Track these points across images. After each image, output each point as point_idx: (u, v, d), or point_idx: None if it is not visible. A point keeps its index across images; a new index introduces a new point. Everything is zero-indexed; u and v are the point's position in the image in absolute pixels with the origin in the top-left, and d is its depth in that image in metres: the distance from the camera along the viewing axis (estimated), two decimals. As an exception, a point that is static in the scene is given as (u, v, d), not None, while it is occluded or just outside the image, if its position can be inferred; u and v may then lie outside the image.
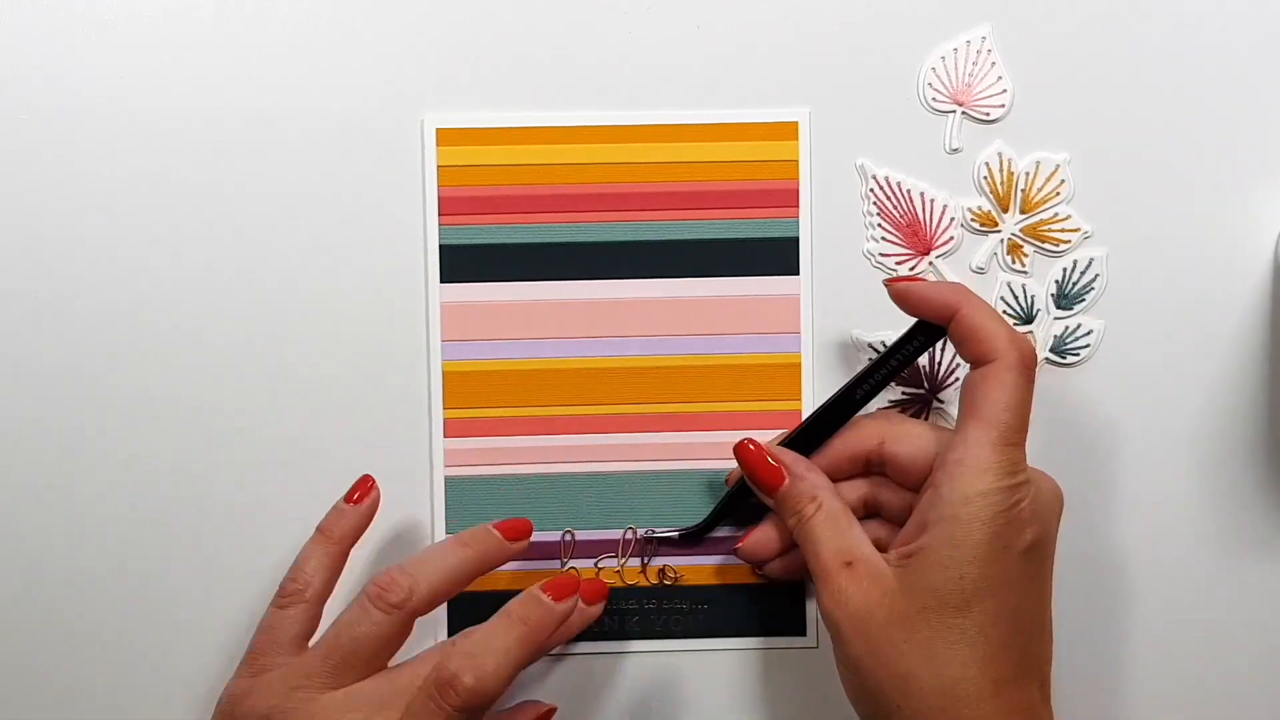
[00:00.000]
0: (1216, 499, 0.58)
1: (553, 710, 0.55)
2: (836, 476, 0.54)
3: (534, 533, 0.57)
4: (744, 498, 0.55)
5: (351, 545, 0.54)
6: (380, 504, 0.54)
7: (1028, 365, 0.50)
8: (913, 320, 0.53)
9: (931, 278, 0.57)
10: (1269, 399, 0.58)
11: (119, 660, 0.57)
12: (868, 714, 0.50)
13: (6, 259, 0.56)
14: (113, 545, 0.57)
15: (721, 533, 0.58)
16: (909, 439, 0.53)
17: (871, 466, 0.54)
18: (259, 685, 0.50)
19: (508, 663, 0.49)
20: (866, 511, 0.55)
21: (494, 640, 0.49)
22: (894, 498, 0.54)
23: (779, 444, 0.54)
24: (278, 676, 0.50)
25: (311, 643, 0.51)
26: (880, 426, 0.54)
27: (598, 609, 0.56)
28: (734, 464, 0.54)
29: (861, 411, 0.55)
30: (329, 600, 0.53)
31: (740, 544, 0.56)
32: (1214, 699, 0.58)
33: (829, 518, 0.51)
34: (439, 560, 0.52)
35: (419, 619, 0.51)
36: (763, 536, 0.55)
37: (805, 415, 0.56)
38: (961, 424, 0.50)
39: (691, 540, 0.57)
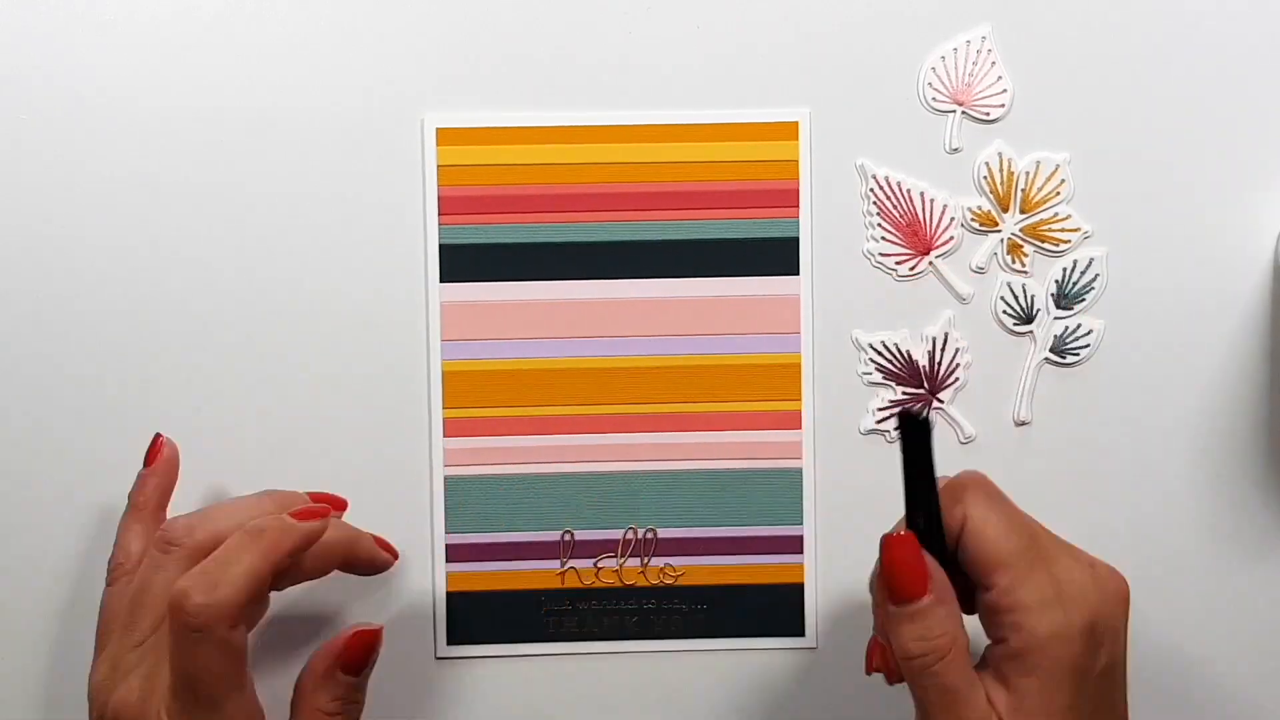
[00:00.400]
0: (1216, 499, 0.58)
1: (377, 632, 0.53)
2: None
3: (533, 532, 0.57)
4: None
5: (164, 508, 0.54)
6: (177, 457, 0.55)
7: (982, 485, 0.46)
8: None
9: (931, 277, 0.57)
10: (1269, 399, 0.58)
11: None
12: None
13: (6, 258, 0.56)
14: (108, 544, 0.57)
15: (721, 531, 0.57)
16: (986, 529, 0.46)
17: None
18: (105, 660, 0.50)
19: (237, 580, 0.47)
20: None
21: (228, 557, 0.48)
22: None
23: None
24: (115, 647, 0.50)
25: None
26: (964, 509, 0.46)
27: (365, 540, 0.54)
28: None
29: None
30: None
31: (875, 664, 0.49)
32: (1212, 697, 0.58)
33: (961, 665, 0.45)
34: (232, 509, 0.51)
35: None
36: (880, 655, 0.49)
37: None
38: (984, 579, 0.45)
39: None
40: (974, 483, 0.47)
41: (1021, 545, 0.45)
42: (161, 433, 0.55)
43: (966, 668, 0.45)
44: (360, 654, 0.52)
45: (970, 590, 0.47)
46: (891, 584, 0.45)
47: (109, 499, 0.56)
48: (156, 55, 0.56)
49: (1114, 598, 0.46)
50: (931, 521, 0.46)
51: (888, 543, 0.45)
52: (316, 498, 0.54)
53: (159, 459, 0.54)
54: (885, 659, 0.47)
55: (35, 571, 0.57)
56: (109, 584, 0.52)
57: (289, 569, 0.50)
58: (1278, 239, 0.57)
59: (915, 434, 0.46)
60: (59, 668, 0.57)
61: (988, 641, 0.46)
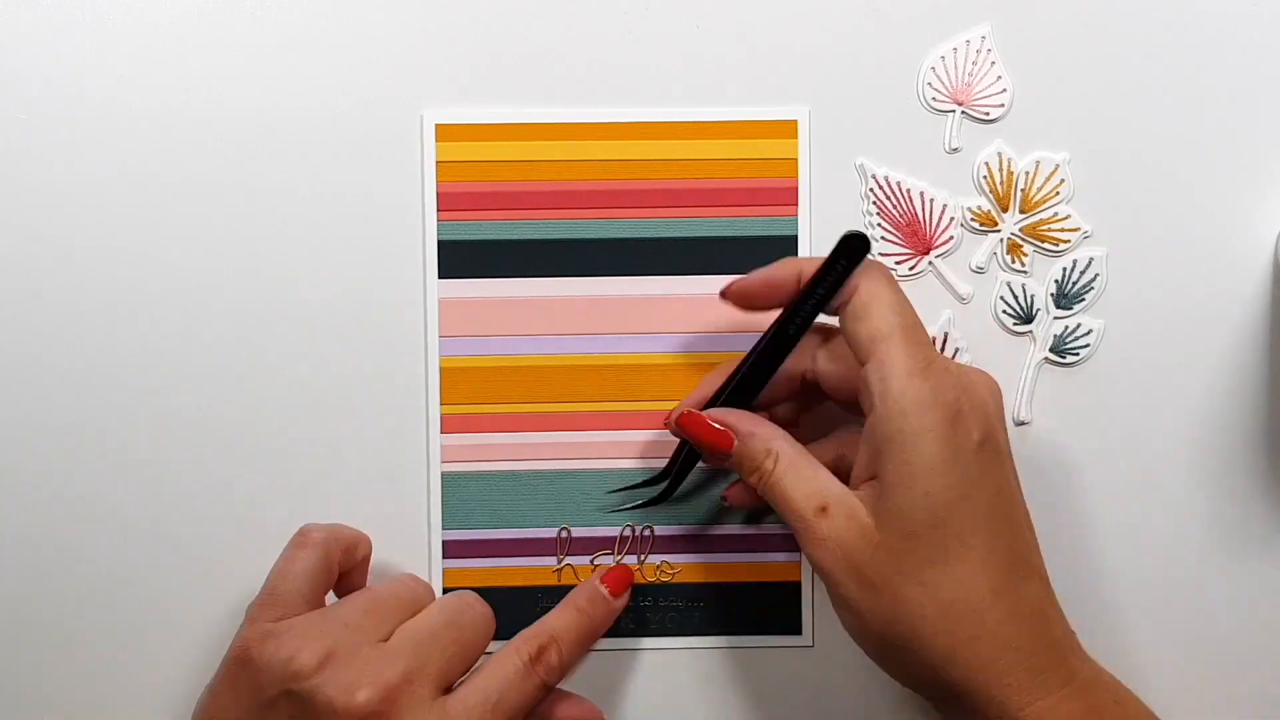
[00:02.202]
0: (1216, 498, 0.57)
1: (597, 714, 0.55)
2: (774, 403, 0.54)
3: (530, 528, 0.57)
4: (695, 459, 0.55)
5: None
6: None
7: (885, 272, 0.50)
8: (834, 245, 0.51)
9: (931, 277, 0.57)
10: (1269, 399, 0.57)
11: (115, 659, 0.57)
12: (876, 652, 0.49)
13: (5, 258, 0.56)
14: (107, 542, 0.57)
15: (718, 529, 0.57)
16: (841, 356, 0.52)
17: (807, 388, 0.54)
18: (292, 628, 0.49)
19: (578, 641, 0.52)
20: (804, 380, 0.54)
21: (566, 617, 0.53)
22: (831, 379, 0.53)
23: (721, 399, 0.53)
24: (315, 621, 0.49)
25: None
26: (812, 344, 0.53)
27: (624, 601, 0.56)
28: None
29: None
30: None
31: (728, 497, 0.56)
32: (1214, 695, 0.58)
33: (790, 467, 0.50)
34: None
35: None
36: (739, 490, 0.56)
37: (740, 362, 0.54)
38: (866, 351, 0.49)
39: (661, 500, 0.56)
40: (876, 264, 0.50)
41: (904, 324, 0.49)
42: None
43: (796, 465, 0.50)
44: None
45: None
46: (710, 450, 0.52)
47: (103, 495, 0.56)
48: (155, 52, 0.57)
49: (982, 383, 0.50)
50: (799, 334, 0.52)
51: (683, 423, 0.52)
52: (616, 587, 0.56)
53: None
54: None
55: (35, 569, 0.57)
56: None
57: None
58: (1278, 238, 0.57)
59: (850, 251, 0.50)
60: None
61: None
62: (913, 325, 0.49)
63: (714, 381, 0.54)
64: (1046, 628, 0.48)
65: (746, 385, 0.53)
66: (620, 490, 0.57)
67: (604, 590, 0.54)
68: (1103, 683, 0.49)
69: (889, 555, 0.47)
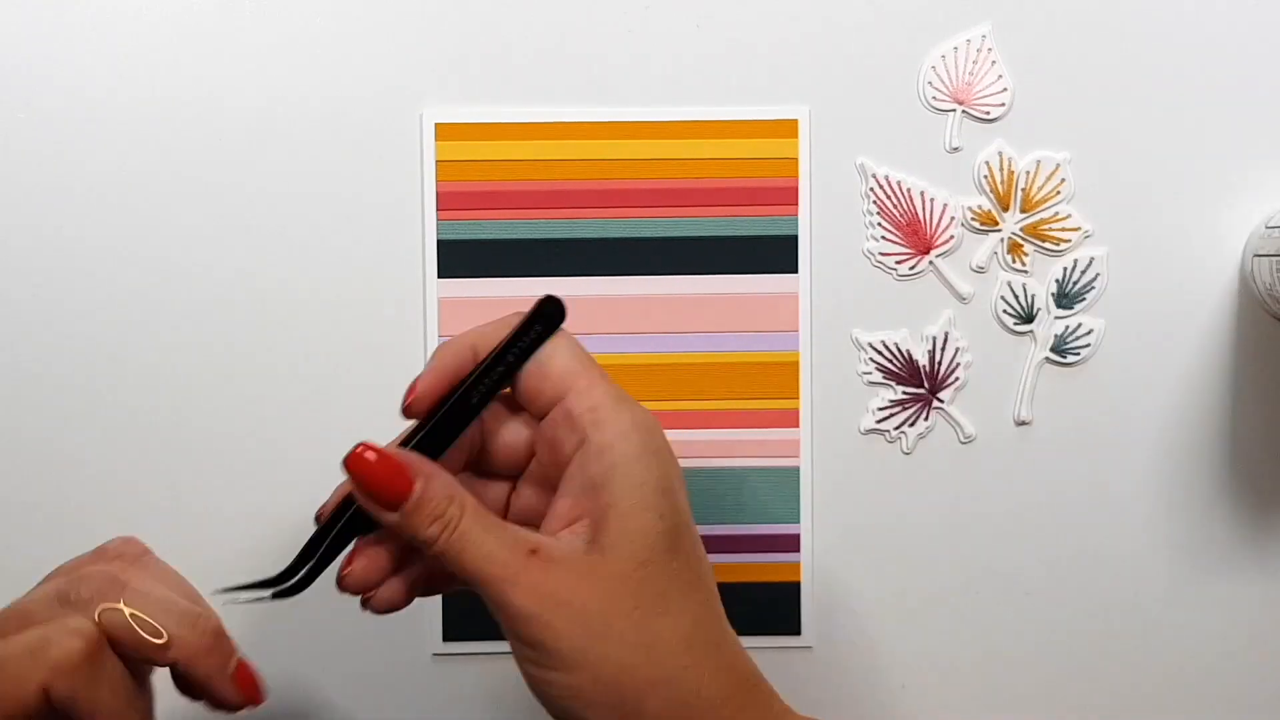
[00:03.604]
0: (1217, 498, 0.57)
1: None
2: None
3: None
4: (352, 532, 0.45)
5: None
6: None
7: (564, 332, 0.46)
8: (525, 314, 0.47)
9: (931, 277, 0.57)
10: (1269, 398, 0.57)
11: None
12: (609, 713, 0.42)
13: (5, 257, 0.56)
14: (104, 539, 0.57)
15: (718, 530, 0.57)
16: (509, 425, 0.46)
17: (473, 464, 0.47)
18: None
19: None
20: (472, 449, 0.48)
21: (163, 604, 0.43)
22: (493, 493, 0.47)
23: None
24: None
25: None
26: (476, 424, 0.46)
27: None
28: None
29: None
30: None
31: (344, 575, 0.44)
32: (1211, 695, 0.58)
33: (480, 514, 0.43)
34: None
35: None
36: (372, 556, 0.45)
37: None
38: (557, 394, 0.45)
39: (286, 595, 0.45)
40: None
41: (593, 364, 0.45)
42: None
43: (484, 515, 0.43)
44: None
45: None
46: (379, 497, 0.43)
47: (101, 494, 0.56)
48: (155, 52, 0.57)
49: (656, 420, 0.45)
50: (483, 402, 0.45)
51: (353, 463, 0.43)
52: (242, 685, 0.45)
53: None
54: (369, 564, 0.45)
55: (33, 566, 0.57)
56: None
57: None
58: (1244, 248, 0.57)
59: (547, 317, 0.46)
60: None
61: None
62: (597, 366, 0.45)
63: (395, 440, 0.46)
64: (755, 666, 0.45)
65: (428, 444, 0.45)
66: (230, 590, 0.45)
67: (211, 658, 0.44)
68: (792, 713, 0.46)
69: (623, 588, 0.42)
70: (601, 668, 0.42)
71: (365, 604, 0.45)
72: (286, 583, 0.45)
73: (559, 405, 0.45)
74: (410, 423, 0.46)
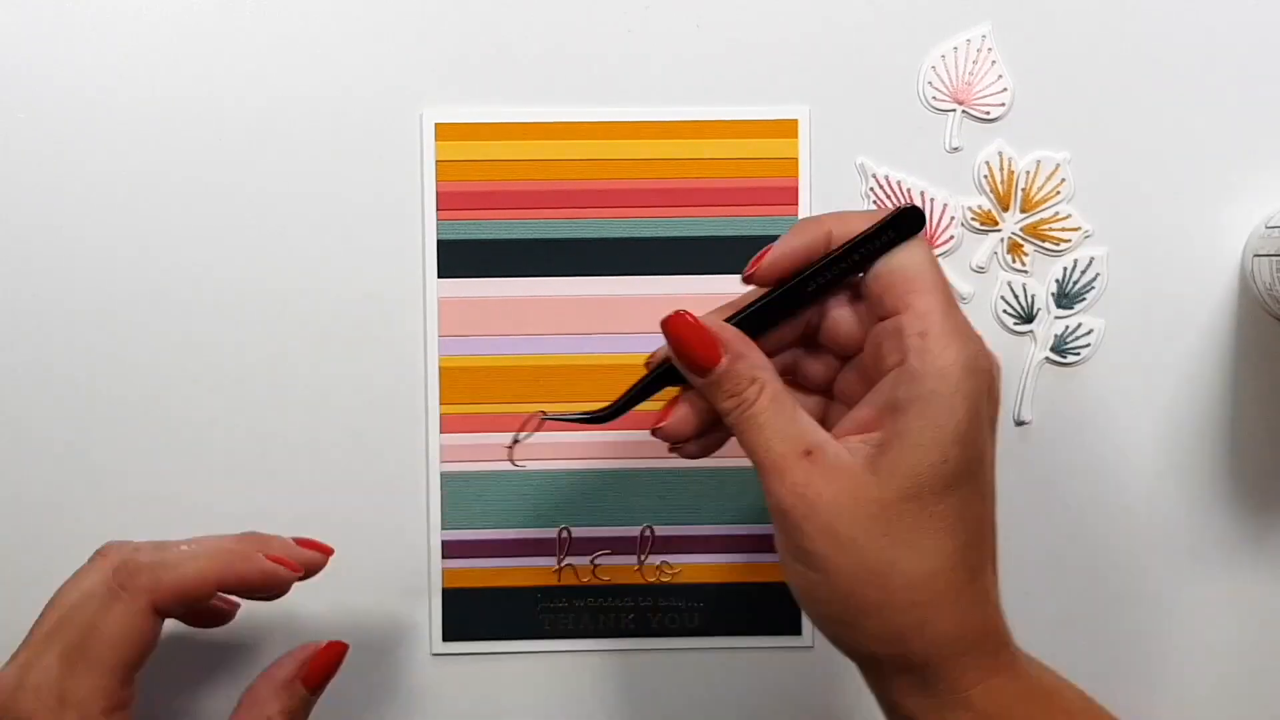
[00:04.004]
0: (1218, 498, 0.57)
1: (346, 648, 0.52)
2: (771, 354, 0.48)
3: (530, 528, 0.57)
4: (666, 382, 0.48)
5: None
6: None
7: (923, 239, 0.46)
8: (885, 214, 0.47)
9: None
10: (1269, 397, 0.57)
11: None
12: (834, 615, 0.45)
13: (5, 257, 0.56)
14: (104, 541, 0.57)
15: (718, 529, 0.57)
16: (853, 305, 0.48)
17: (806, 337, 0.49)
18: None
19: (187, 572, 0.47)
20: (806, 328, 0.49)
21: (184, 553, 0.48)
22: (818, 368, 0.49)
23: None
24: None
25: None
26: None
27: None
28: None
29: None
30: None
31: (659, 424, 0.48)
32: (1215, 693, 0.58)
33: (775, 402, 0.45)
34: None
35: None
36: (683, 414, 0.48)
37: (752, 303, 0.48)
38: (899, 302, 0.45)
39: (598, 422, 0.49)
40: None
41: (943, 282, 0.46)
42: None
43: (781, 401, 0.45)
44: (328, 669, 0.52)
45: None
46: (689, 360, 0.46)
47: (100, 493, 0.56)
48: (155, 52, 0.57)
49: (997, 361, 0.46)
50: (818, 294, 0.47)
51: (670, 324, 0.46)
52: (302, 543, 0.51)
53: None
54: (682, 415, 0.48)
55: (32, 565, 0.57)
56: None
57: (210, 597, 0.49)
58: (1244, 248, 0.57)
59: (907, 229, 0.46)
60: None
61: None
62: (949, 287, 0.46)
63: (722, 310, 0.48)
64: (998, 615, 0.47)
65: (747, 323, 0.47)
66: (553, 417, 0.50)
67: (261, 556, 0.49)
68: (1035, 663, 0.48)
69: (880, 514, 0.44)
70: (837, 578, 0.44)
71: (673, 449, 0.48)
72: (601, 412, 0.49)
73: (894, 317, 0.45)
74: (749, 289, 0.48)
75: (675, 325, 0.46)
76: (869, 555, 0.44)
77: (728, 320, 0.47)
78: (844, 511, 0.44)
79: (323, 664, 0.52)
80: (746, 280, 0.47)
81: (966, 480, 0.45)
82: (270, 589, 0.49)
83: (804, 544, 0.44)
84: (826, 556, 0.44)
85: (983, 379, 0.45)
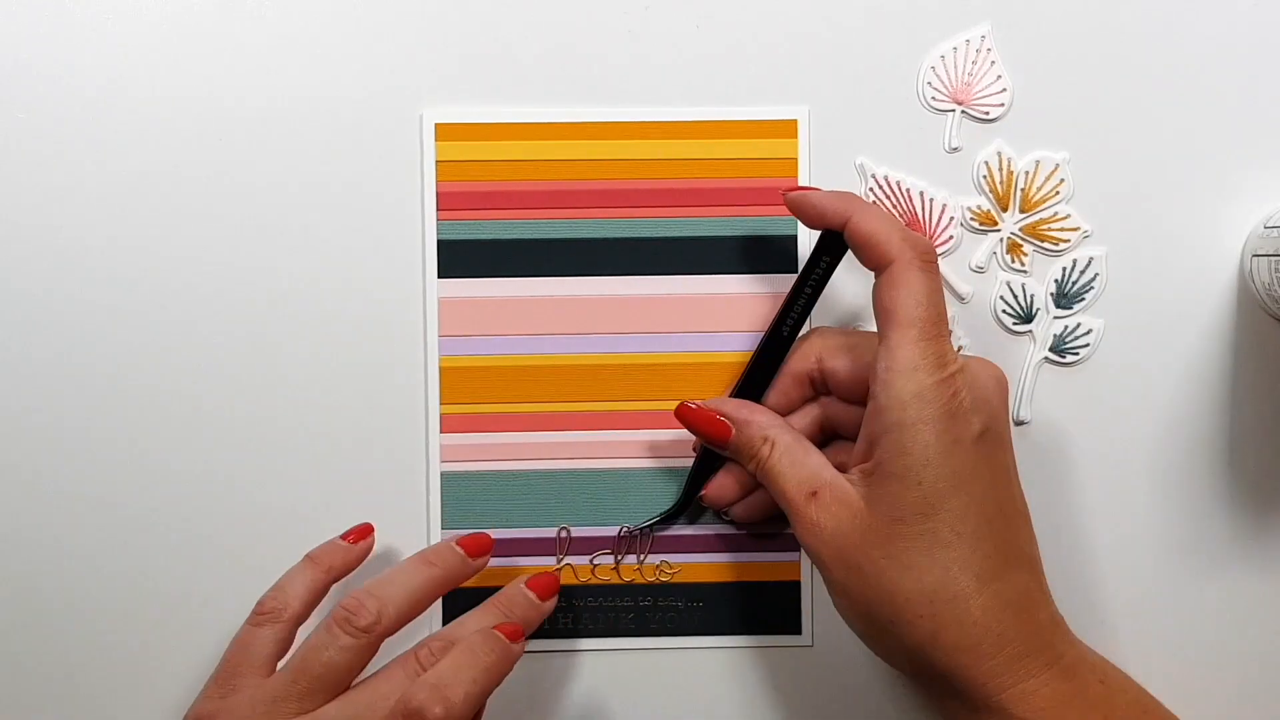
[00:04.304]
0: (1218, 497, 0.57)
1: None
2: (789, 407, 0.55)
3: (529, 528, 0.57)
4: (711, 461, 0.56)
5: (338, 579, 0.54)
6: (373, 549, 0.56)
7: (926, 260, 0.49)
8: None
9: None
10: (1269, 397, 0.57)
11: (112, 657, 0.57)
12: (863, 632, 0.50)
13: (5, 257, 0.56)
14: (106, 543, 0.57)
15: (717, 529, 0.57)
16: (844, 351, 0.53)
17: (817, 387, 0.54)
18: (226, 708, 0.50)
19: (475, 692, 0.49)
20: (824, 434, 0.55)
21: (461, 669, 0.49)
22: (844, 413, 0.54)
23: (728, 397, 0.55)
24: (245, 699, 0.50)
25: (280, 664, 0.51)
26: (815, 344, 0.54)
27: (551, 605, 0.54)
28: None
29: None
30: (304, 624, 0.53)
31: (704, 493, 0.56)
32: (1217, 691, 0.58)
33: (785, 453, 0.51)
34: (405, 581, 0.52)
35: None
36: (722, 482, 0.55)
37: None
38: (881, 333, 0.49)
39: (673, 519, 0.57)
40: (916, 246, 0.50)
41: (923, 315, 0.49)
42: (373, 525, 0.56)
43: (790, 451, 0.51)
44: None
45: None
46: (707, 441, 0.54)
47: (99, 492, 0.56)
48: (155, 52, 0.57)
49: (986, 374, 0.50)
50: (793, 333, 0.54)
51: (681, 415, 0.54)
52: (473, 549, 0.54)
53: (361, 542, 0.55)
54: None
55: (28, 569, 0.57)
56: (254, 624, 0.52)
57: None
58: (1242, 249, 0.57)
59: (835, 248, 0.53)
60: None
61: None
62: (931, 319, 0.49)
63: (729, 390, 0.56)
64: (1032, 613, 0.49)
65: (748, 387, 0.55)
66: (639, 526, 0.57)
67: (531, 595, 0.53)
68: (1088, 663, 0.50)
69: (876, 539, 0.48)
70: (856, 599, 0.49)
71: (724, 515, 0.57)
72: (671, 510, 0.57)
73: (879, 345, 0.49)
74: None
75: (683, 416, 0.54)
76: (873, 578, 0.48)
77: (734, 391, 0.55)
78: (847, 541, 0.49)
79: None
80: (784, 192, 0.53)
81: (949, 496, 0.48)
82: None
83: (825, 574, 0.50)
84: (844, 583, 0.49)
85: (947, 405, 0.48)
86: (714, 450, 0.54)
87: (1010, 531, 0.49)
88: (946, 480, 0.48)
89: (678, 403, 0.54)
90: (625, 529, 0.57)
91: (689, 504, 0.57)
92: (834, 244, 0.52)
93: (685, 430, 0.54)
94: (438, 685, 0.48)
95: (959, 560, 0.48)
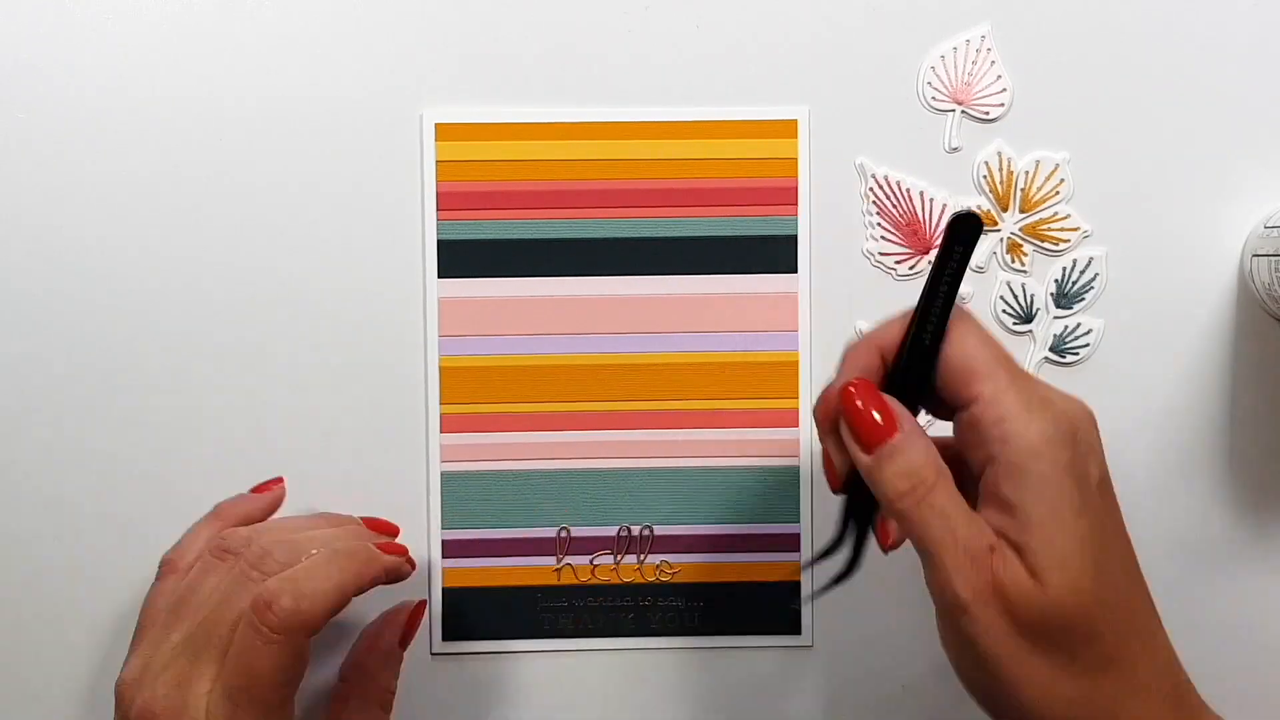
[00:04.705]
0: (1218, 497, 0.57)
1: (420, 605, 0.56)
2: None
3: (529, 528, 0.57)
4: (856, 504, 0.46)
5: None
6: (283, 502, 0.56)
7: (968, 315, 0.44)
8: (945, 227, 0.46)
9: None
10: (1269, 397, 0.57)
11: (105, 658, 0.57)
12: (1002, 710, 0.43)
13: (5, 257, 0.56)
14: (105, 541, 0.57)
15: (718, 529, 0.57)
16: (966, 339, 0.44)
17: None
18: (134, 669, 0.49)
19: (327, 593, 0.48)
20: None
21: (316, 572, 0.48)
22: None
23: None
24: (151, 653, 0.49)
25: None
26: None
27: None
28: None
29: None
30: None
31: (889, 544, 0.46)
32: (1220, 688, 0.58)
33: (952, 490, 0.42)
34: (293, 525, 0.52)
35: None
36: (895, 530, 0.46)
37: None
38: (971, 394, 0.42)
39: (848, 577, 0.47)
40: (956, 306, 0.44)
41: (1001, 355, 0.43)
42: (283, 479, 0.57)
43: (957, 493, 0.42)
44: (416, 627, 0.56)
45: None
46: (861, 432, 0.43)
47: (99, 493, 0.56)
48: (155, 52, 0.57)
49: (1084, 413, 0.44)
50: (936, 339, 0.44)
51: (847, 393, 0.43)
52: (371, 524, 0.55)
53: (269, 493, 0.56)
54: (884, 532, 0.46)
55: (29, 566, 0.57)
56: (157, 579, 0.52)
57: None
58: (1242, 249, 0.57)
59: (965, 235, 0.44)
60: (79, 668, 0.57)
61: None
62: (1008, 357, 0.43)
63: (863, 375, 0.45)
64: (1181, 674, 0.44)
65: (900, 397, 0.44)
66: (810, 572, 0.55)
67: (375, 548, 0.51)
68: None
69: (1064, 615, 0.41)
70: (1060, 689, 0.41)
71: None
72: (842, 568, 0.46)
73: (968, 410, 0.42)
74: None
75: (857, 393, 0.43)
76: (1083, 659, 0.41)
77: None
78: (1042, 614, 0.41)
79: (416, 624, 0.55)
80: (818, 416, 0.45)
81: (1112, 540, 0.43)
82: (392, 582, 0.52)
83: (1015, 662, 0.41)
84: (1040, 668, 0.41)
85: (1069, 446, 0.42)
86: (855, 446, 0.43)
87: (1143, 583, 0.44)
88: (1098, 531, 0.42)
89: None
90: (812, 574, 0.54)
91: (859, 557, 0.47)
92: (968, 230, 0.44)
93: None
94: (294, 579, 0.47)
95: (1144, 621, 0.43)
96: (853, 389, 0.43)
